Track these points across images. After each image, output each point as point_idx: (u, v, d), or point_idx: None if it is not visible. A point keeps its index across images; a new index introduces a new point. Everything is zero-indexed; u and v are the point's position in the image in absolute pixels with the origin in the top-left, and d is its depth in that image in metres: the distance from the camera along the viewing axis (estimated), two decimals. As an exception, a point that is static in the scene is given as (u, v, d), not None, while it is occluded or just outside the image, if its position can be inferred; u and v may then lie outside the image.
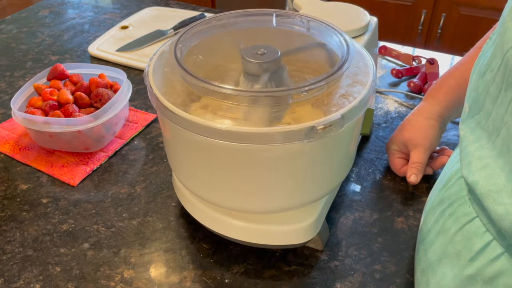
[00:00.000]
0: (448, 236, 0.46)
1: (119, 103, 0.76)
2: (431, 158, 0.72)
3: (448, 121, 0.72)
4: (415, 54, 1.00)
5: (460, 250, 0.44)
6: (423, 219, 0.54)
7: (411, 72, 0.96)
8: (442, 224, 0.48)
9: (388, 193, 0.70)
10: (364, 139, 0.80)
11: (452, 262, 0.45)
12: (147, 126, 0.84)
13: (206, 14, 1.20)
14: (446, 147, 0.73)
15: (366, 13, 0.72)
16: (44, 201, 0.69)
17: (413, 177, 0.67)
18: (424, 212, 0.56)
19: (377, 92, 0.91)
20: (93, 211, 0.68)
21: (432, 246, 0.49)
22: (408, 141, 0.69)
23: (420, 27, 1.96)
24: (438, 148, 0.74)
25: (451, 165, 0.53)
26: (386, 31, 1.97)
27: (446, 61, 1.01)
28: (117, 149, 0.79)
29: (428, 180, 0.71)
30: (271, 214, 0.57)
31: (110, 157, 0.77)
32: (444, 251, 0.47)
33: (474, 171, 0.42)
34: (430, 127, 0.69)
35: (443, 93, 0.69)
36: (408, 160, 0.70)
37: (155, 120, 0.85)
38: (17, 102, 0.77)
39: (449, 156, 0.71)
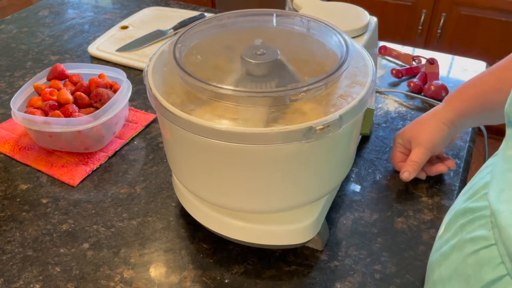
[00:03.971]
0: (461, 254, 0.43)
1: (119, 103, 0.76)
2: (431, 162, 0.71)
3: (461, 129, 0.70)
4: (415, 54, 1.00)
5: (470, 275, 0.41)
6: (445, 226, 0.51)
7: (411, 72, 0.96)
8: (459, 239, 0.45)
9: (388, 193, 0.70)
10: (364, 139, 0.80)
11: (460, 285, 0.42)
12: (147, 126, 0.84)
13: (206, 14, 1.20)
14: (452, 159, 0.72)
15: (366, 13, 0.72)
16: (44, 201, 0.70)
17: (406, 174, 0.68)
18: (447, 217, 0.52)
19: (377, 92, 0.91)
20: (93, 211, 0.68)
21: (446, 260, 0.46)
22: (413, 139, 0.69)
23: (420, 27, 1.96)
24: (445, 155, 0.73)
25: (481, 176, 0.49)
26: (386, 31, 1.97)
27: (446, 61, 1.01)
28: (117, 149, 0.79)
29: (428, 180, 0.71)
30: (271, 214, 0.57)
31: (110, 157, 0.77)
32: (455, 269, 0.44)
33: (503, 200, 0.38)
34: (438, 130, 0.68)
35: (460, 101, 0.67)
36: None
37: (155, 120, 0.85)
38: (17, 102, 0.77)
39: (448, 167, 0.70)
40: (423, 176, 0.71)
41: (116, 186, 0.72)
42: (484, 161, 0.81)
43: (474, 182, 0.50)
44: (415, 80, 0.92)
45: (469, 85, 0.67)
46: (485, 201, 0.44)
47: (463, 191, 0.52)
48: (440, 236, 0.51)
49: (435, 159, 0.72)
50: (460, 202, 0.50)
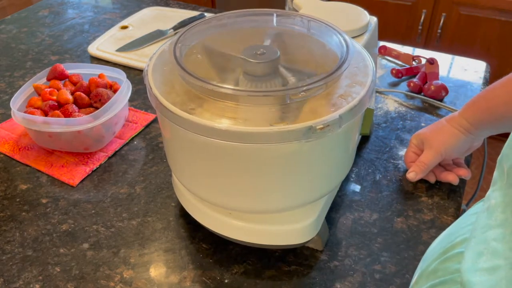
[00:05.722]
0: None
1: (119, 103, 0.76)
2: (443, 166, 0.71)
3: (480, 138, 0.69)
4: (415, 54, 1.00)
5: None
6: (416, 278, 0.44)
7: (411, 72, 0.96)
8: None
9: (387, 193, 0.70)
10: (364, 139, 0.80)
11: None
12: (147, 126, 0.84)
13: (206, 14, 1.20)
14: (467, 169, 0.70)
15: (366, 13, 0.72)
16: (44, 201, 0.69)
17: (412, 174, 0.68)
18: (422, 263, 0.46)
19: (377, 92, 0.91)
20: (93, 211, 0.68)
21: None
22: (426, 140, 0.69)
23: (420, 27, 1.96)
24: (463, 163, 0.72)
25: (461, 226, 0.41)
26: (386, 31, 1.97)
27: (446, 61, 1.01)
28: (116, 149, 0.78)
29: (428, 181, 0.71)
30: (271, 214, 0.57)
31: (109, 157, 0.77)
32: None
33: (477, 269, 0.32)
34: (452, 135, 0.67)
35: (471, 112, 0.66)
36: None
37: (155, 120, 0.85)
38: (16, 102, 0.77)
39: (459, 176, 0.69)
40: (432, 179, 0.70)
41: (116, 186, 0.72)
42: (484, 160, 0.81)
43: (452, 233, 0.42)
44: (415, 80, 0.92)
45: (481, 97, 0.65)
46: (458, 263, 0.36)
47: (439, 239, 0.46)
48: (412, 287, 0.44)
49: (451, 164, 0.71)
50: (434, 253, 0.42)
